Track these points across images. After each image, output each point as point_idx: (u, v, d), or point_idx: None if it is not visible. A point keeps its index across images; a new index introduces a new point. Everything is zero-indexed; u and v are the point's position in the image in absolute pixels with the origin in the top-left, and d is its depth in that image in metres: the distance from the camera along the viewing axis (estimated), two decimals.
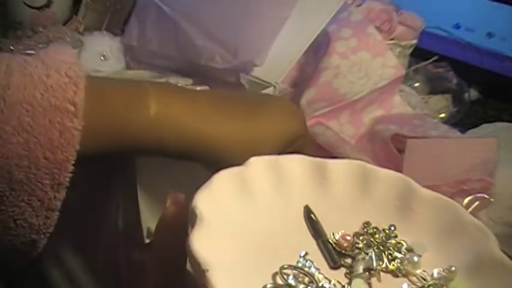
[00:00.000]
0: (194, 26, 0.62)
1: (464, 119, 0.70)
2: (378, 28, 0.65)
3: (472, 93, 0.74)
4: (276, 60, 0.60)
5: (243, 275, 0.34)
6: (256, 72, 0.60)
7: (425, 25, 0.70)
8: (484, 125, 0.63)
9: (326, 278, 0.36)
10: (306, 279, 0.36)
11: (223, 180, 0.38)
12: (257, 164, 0.40)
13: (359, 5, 0.68)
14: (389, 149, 0.57)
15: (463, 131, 0.63)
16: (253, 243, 0.37)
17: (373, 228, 0.40)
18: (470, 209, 0.46)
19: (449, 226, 0.40)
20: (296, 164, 0.42)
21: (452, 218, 0.40)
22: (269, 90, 0.58)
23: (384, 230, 0.40)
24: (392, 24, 0.67)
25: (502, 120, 0.66)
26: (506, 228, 0.46)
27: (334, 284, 0.36)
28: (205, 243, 0.32)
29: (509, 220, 0.46)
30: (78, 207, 0.55)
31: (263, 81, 0.59)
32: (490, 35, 0.79)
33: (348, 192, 0.42)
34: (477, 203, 0.46)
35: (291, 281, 0.35)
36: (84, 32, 0.76)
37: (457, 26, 0.81)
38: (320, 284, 0.35)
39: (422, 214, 0.41)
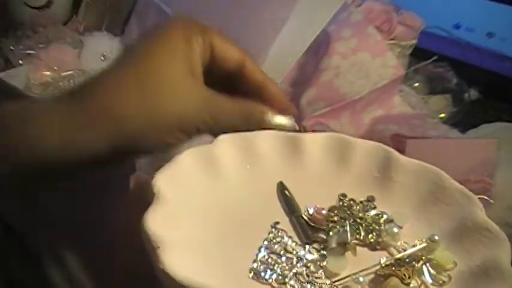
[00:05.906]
0: None
1: (464, 119, 0.70)
2: (378, 28, 0.65)
3: (472, 93, 0.74)
4: (276, 60, 0.60)
5: (203, 252, 0.32)
6: None
7: (425, 25, 0.70)
8: (484, 125, 0.63)
9: (299, 245, 0.35)
10: (278, 249, 0.34)
11: (188, 159, 0.37)
12: (225, 141, 0.39)
13: (359, 5, 0.68)
14: None
15: (463, 131, 0.63)
16: (219, 221, 0.35)
17: (349, 200, 0.38)
18: None
19: (431, 194, 0.38)
20: (267, 139, 0.40)
21: (434, 185, 0.38)
22: None
23: (361, 202, 0.38)
24: (392, 24, 0.67)
25: (502, 120, 0.65)
26: (506, 228, 0.46)
27: (309, 250, 0.34)
28: (160, 221, 0.31)
29: (509, 220, 0.46)
30: (77, 207, 0.55)
31: None
32: (490, 35, 0.79)
33: (324, 166, 0.40)
34: None
35: (262, 254, 0.33)
36: (84, 32, 0.76)
37: (457, 26, 0.81)
38: (294, 252, 0.34)
39: (403, 183, 0.39)
